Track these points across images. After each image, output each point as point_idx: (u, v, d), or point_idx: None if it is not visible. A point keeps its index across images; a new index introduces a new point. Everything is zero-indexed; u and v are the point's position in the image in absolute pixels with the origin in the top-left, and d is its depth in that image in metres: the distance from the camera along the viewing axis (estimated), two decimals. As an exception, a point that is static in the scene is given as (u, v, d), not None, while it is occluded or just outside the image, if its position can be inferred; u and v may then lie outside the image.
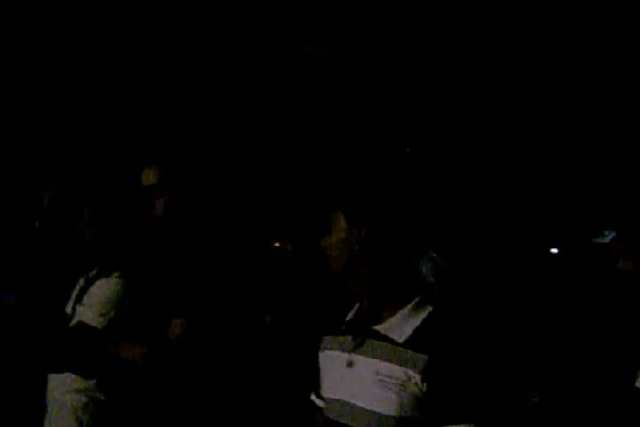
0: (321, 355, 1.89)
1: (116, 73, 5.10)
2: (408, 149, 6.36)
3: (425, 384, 1.62)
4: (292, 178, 5.92)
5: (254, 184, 5.34)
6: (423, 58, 5.11)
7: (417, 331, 1.70)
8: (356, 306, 1.87)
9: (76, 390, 2.44)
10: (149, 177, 2.65)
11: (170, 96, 5.35)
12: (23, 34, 4.69)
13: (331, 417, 1.77)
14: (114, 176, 2.75)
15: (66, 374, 2.46)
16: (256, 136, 5.80)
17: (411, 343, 1.68)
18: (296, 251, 6.12)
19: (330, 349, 1.85)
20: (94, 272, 2.57)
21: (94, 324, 2.44)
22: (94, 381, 2.44)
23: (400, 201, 1.83)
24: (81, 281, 2.62)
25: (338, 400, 1.75)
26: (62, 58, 4.91)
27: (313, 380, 1.91)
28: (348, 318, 1.86)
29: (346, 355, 1.77)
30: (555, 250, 5.92)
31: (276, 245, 6.35)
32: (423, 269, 3.01)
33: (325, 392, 1.83)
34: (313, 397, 1.94)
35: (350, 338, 1.78)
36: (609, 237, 3.46)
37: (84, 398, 2.43)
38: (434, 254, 3.30)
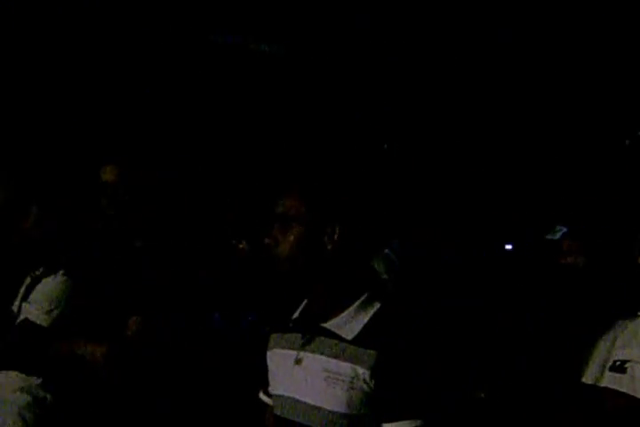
0: (269, 353, 1.87)
1: (77, 70, 5.03)
2: (385, 146, 6.37)
3: (373, 381, 1.62)
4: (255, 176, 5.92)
5: (218, 182, 5.31)
6: (394, 52, 5.10)
7: (365, 327, 1.69)
8: (304, 303, 1.85)
9: (21, 389, 2.41)
10: (107, 174, 2.64)
11: (135, 95, 5.30)
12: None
13: (280, 414, 1.76)
14: (62, 174, 2.71)
15: (11, 372, 2.43)
16: (218, 132, 5.77)
17: (359, 340, 1.67)
18: (253, 249, 6.07)
19: (278, 346, 1.83)
20: (41, 270, 2.55)
21: (39, 321, 2.42)
22: (40, 379, 2.41)
23: (374, 197, 1.80)
24: (27, 279, 2.60)
25: (286, 397, 1.74)
26: (19, 54, 4.83)
27: (261, 378, 1.90)
28: (295, 316, 1.84)
29: (294, 352, 1.76)
30: (509, 246, 5.96)
31: (232, 242, 6.29)
32: (376, 266, 3.00)
33: (274, 390, 1.82)
34: (261, 394, 1.93)
35: (299, 335, 1.77)
36: (559, 233, 3.49)
37: (28, 397, 2.40)
38: (387, 251, 3.30)
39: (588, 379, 2.02)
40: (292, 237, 1.71)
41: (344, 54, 5.17)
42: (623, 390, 1.89)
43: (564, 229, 3.45)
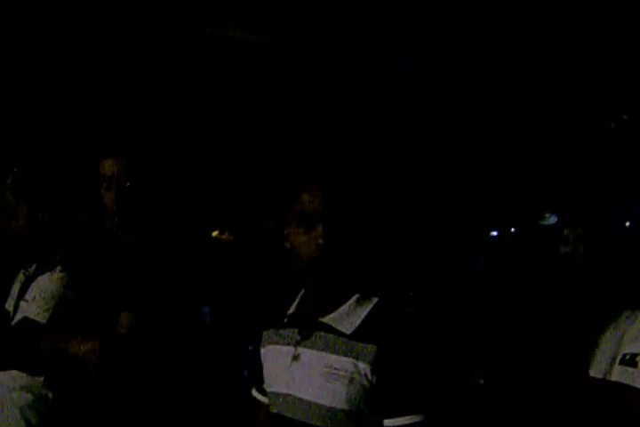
0: (263, 349, 1.84)
1: (70, 66, 4.98)
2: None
3: (374, 376, 1.62)
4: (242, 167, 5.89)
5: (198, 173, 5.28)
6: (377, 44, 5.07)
7: (364, 322, 1.68)
8: (299, 298, 1.83)
9: (22, 388, 2.40)
10: (106, 167, 2.62)
11: (129, 87, 5.26)
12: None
13: (276, 412, 1.74)
14: (54, 170, 2.68)
15: (12, 371, 2.42)
16: (208, 125, 5.74)
17: (358, 334, 1.66)
18: (236, 239, 6.04)
19: (273, 342, 1.81)
20: (34, 268, 2.54)
21: (39, 319, 2.42)
22: (41, 377, 2.40)
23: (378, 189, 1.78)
24: (20, 277, 2.59)
25: (284, 395, 1.72)
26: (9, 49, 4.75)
27: (254, 375, 1.87)
28: (290, 311, 1.82)
29: (291, 348, 1.74)
30: (494, 233, 5.97)
31: (214, 233, 6.26)
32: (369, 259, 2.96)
33: (270, 387, 1.79)
34: (254, 392, 1.91)
35: (295, 331, 1.75)
36: (550, 219, 3.46)
37: (30, 396, 2.39)
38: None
39: (596, 373, 1.98)
40: (315, 235, 1.68)
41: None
42: (634, 384, 1.85)
43: (554, 216, 3.42)
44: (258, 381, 1.86)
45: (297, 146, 5.50)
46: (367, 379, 1.62)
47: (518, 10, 4.47)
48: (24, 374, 2.40)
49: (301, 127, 5.74)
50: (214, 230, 6.18)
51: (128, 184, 2.59)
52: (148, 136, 4.85)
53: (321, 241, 1.66)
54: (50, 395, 2.39)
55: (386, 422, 1.63)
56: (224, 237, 6.29)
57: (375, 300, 1.73)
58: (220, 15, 4.81)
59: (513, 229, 5.72)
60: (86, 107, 5.17)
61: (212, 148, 5.77)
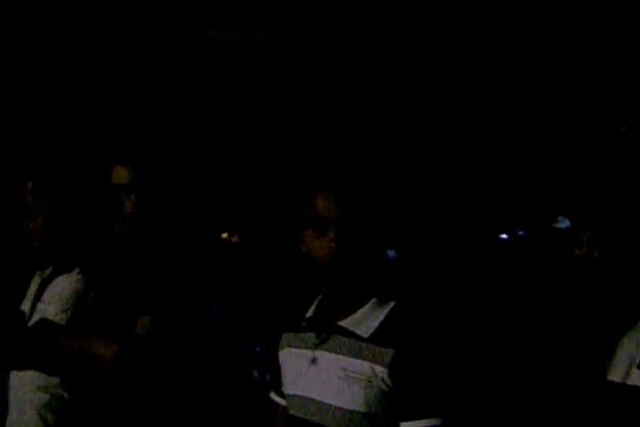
0: (281, 352, 1.85)
1: (80, 72, 5.02)
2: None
3: (391, 379, 1.62)
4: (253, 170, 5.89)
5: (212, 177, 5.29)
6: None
7: (382, 325, 1.69)
8: (317, 301, 1.84)
9: (39, 388, 2.41)
10: (119, 175, 2.60)
11: (139, 93, 5.28)
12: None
13: (294, 414, 1.75)
14: (72, 174, 2.69)
15: (29, 371, 2.43)
16: (219, 127, 5.75)
17: (376, 338, 1.67)
18: (245, 242, 6.05)
19: (291, 346, 1.82)
20: (50, 270, 2.55)
21: (57, 320, 2.43)
22: (57, 378, 2.41)
23: (389, 192, 1.78)
24: (37, 279, 2.60)
25: (302, 397, 1.73)
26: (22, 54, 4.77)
27: (272, 377, 1.89)
28: (308, 315, 1.82)
29: (309, 352, 1.75)
30: (504, 236, 5.96)
31: (224, 235, 6.28)
32: (384, 263, 2.96)
33: (288, 389, 1.80)
34: (272, 394, 1.91)
35: (313, 334, 1.76)
36: (564, 222, 3.46)
37: (47, 396, 2.40)
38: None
39: (614, 377, 1.97)
40: (329, 238, 1.69)
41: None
42: None
43: (566, 219, 3.42)
44: (276, 383, 1.87)
45: (310, 150, 5.50)
46: (384, 382, 1.62)
47: (521, 8, 4.46)
48: (41, 375, 2.41)
49: (314, 131, 5.74)
50: (224, 232, 6.19)
51: (144, 190, 2.58)
52: (158, 140, 4.87)
53: (333, 245, 1.67)
54: (66, 395, 2.40)
55: (403, 425, 1.63)
56: (233, 239, 6.30)
57: (392, 303, 1.74)
58: (226, 18, 4.83)
59: (521, 232, 5.71)
60: (99, 111, 5.19)
61: (224, 150, 5.78)
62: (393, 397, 1.63)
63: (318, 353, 1.72)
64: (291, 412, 1.77)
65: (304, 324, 1.80)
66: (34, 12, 4.50)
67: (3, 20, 4.48)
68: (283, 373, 1.83)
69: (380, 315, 1.71)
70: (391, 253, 2.91)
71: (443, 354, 1.66)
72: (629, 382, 1.92)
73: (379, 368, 1.63)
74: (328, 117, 5.72)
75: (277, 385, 1.87)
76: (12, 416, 2.47)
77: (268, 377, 1.94)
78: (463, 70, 5.28)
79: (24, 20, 4.54)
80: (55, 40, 4.74)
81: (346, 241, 1.68)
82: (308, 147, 5.56)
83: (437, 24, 4.75)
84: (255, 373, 3.43)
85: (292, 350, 1.80)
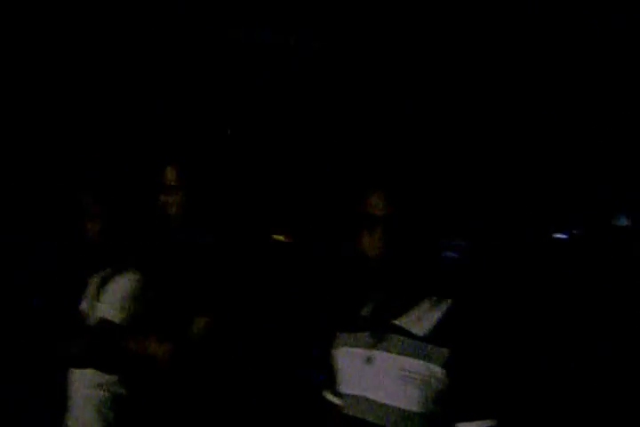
0: (337, 352, 1.85)
1: (133, 71, 5.08)
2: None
3: (448, 379, 1.61)
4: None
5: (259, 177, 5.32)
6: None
7: (438, 324, 1.68)
8: (372, 300, 1.83)
9: (98, 386, 2.47)
10: (170, 176, 2.63)
11: (188, 96, 5.33)
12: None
13: (350, 414, 1.74)
14: (126, 175, 2.77)
15: (88, 369, 2.49)
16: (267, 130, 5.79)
17: (432, 337, 1.66)
18: (297, 242, 6.06)
19: (347, 345, 1.82)
20: (109, 270, 2.60)
21: (115, 319, 2.48)
22: (116, 376, 2.47)
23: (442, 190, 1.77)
24: (95, 279, 2.65)
25: (358, 397, 1.73)
26: (72, 55, 4.88)
27: (328, 377, 1.88)
28: (364, 313, 1.82)
29: (365, 351, 1.74)
30: (561, 235, 5.85)
31: (276, 236, 6.29)
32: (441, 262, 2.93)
33: (344, 389, 1.80)
34: (327, 394, 1.91)
35: (369, 334, 1.76)
36: (622, 220, 3.38)
37: (106, 394, 2.46)
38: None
39: None
40: (378, 236, 1.69)
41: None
42: None
43: (624, 217, 3.34)
44: (331, 383, 1.87)
45: (361, 149, 5.49)
46: (441, 382, 1.61)
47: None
48: (100, 373, 2.46)
49: (366, 130, 5.73)
50: (276, 233, 6.21)
51: (194, 190, 2.61)
52: (210, 140, 4.92)
53: (382, 243, 1.68)
54: (124, 393, 2.46)
55: (459, 425, 1.61)
56: (284, 239, 6.32)
57: (449, 302, 1.72)
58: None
59: (575, 231, 5.61)
60: (150, 114, 5.26)
61: (277, 151, 5.81)
62: (449, 397, 1.61)
63: (374, 352, 1.71)
64: (345, 411, 1.76)
65: (360, 323, 1.80)
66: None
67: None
68: (338, 372, 1.83)
69: (437, 314, 1.70)
70: (448, 251, 2.87)
71: (499, 355, 1.63)
72: None
73: (435, 368, 1.61)
74: (378, 116, 5.70)
75: (333, 385, 1.86)
76: (72, 413, 2.53)
77: (322, 377, 1.93)
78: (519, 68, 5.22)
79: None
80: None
81: (394, 239, 1.68)
82: (360, 146, 5.55)
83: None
84: (309, 372, 3.43)
85: (348, 349, 1.80)
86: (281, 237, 6.31)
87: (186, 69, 5.20)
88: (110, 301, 2.51)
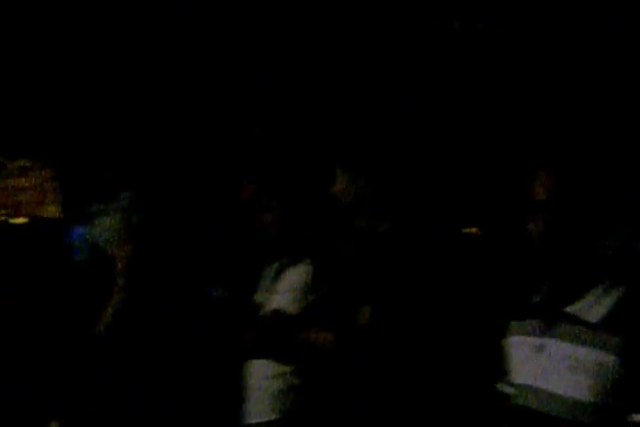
0: (505, 340, 1.81)
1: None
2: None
3: (622, 368, 1.54)
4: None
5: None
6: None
7: (612, 311, 1.61)
8: (542, 287, 1.78)
9: (274, 376, 2.51)
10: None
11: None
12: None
13: (520, 404, 1.70)
14: (299, 166, 2.80)
15: (262, 360, 2.54)
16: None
17: (605, 325, 1.59)
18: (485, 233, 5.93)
19: (516, 333, 1.78)
20: (283, 261, 2.65)
21: (289, 310, 2.52)
22: (291, 366, 2.50)
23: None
24: (269, 271, 2.71)
25: (528, 386, 1.68)
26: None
27: (498, 367, 1.84)
28: (533, 301, 1.78)
29: (535, 339, 1.70)
30: None
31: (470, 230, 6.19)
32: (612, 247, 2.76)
33: (513, 379, 1.75)
34: (500, 384, 1.85)
35: (539, 321, 1.71)
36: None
37: (282, 384, 2.50)
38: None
39: None
40: (539, 222, 1.68)
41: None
42: None
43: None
44: (502, 373, 1.82)
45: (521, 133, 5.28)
46: (615, 371, 1.54)
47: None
48: (275, 363, 2.51)
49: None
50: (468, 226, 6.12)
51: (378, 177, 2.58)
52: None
53: (550, 230, 1.65)
54: (299, 383, 2.49)
55: (636, 417, 1.53)
56: (474, 231, 6.21)
57: (623, 288, 1.64)
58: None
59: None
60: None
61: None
62: (624, 387, 1.53)
63: (545, 340, 1.66)
64: (515, 401, 1.72)
65: (530, 310, 1.76)
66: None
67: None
68: (508, 361, 1.78)
69: (610, 300, 1.62)
70: (620, 237, 2.69)
71: None
72: None
73: (608, 357, 1.54)
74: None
75: (503, 374, 1.81)
76: (247, 404, 2.58)
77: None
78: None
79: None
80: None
81: (556, 224, 1.65)
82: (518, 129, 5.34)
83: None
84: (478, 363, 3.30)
85: (517, 337, 1.76)
86: (473, 230, 6.22)
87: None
88: (284, 292, 2.56)
